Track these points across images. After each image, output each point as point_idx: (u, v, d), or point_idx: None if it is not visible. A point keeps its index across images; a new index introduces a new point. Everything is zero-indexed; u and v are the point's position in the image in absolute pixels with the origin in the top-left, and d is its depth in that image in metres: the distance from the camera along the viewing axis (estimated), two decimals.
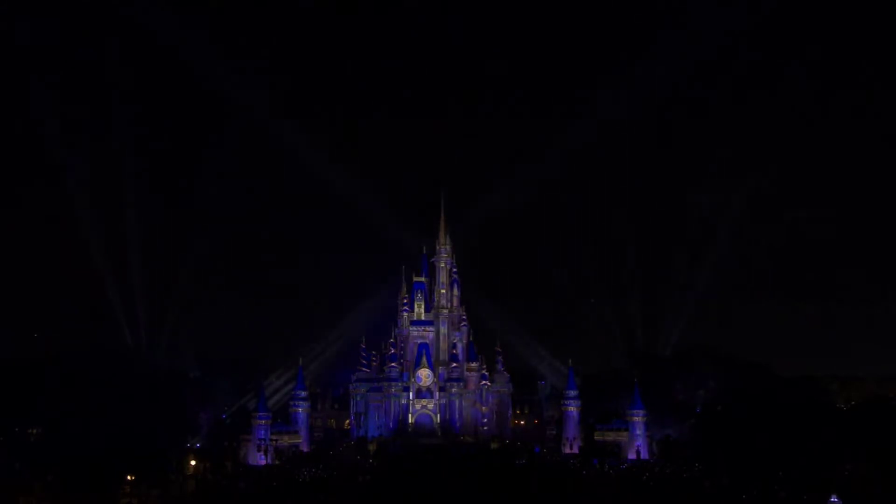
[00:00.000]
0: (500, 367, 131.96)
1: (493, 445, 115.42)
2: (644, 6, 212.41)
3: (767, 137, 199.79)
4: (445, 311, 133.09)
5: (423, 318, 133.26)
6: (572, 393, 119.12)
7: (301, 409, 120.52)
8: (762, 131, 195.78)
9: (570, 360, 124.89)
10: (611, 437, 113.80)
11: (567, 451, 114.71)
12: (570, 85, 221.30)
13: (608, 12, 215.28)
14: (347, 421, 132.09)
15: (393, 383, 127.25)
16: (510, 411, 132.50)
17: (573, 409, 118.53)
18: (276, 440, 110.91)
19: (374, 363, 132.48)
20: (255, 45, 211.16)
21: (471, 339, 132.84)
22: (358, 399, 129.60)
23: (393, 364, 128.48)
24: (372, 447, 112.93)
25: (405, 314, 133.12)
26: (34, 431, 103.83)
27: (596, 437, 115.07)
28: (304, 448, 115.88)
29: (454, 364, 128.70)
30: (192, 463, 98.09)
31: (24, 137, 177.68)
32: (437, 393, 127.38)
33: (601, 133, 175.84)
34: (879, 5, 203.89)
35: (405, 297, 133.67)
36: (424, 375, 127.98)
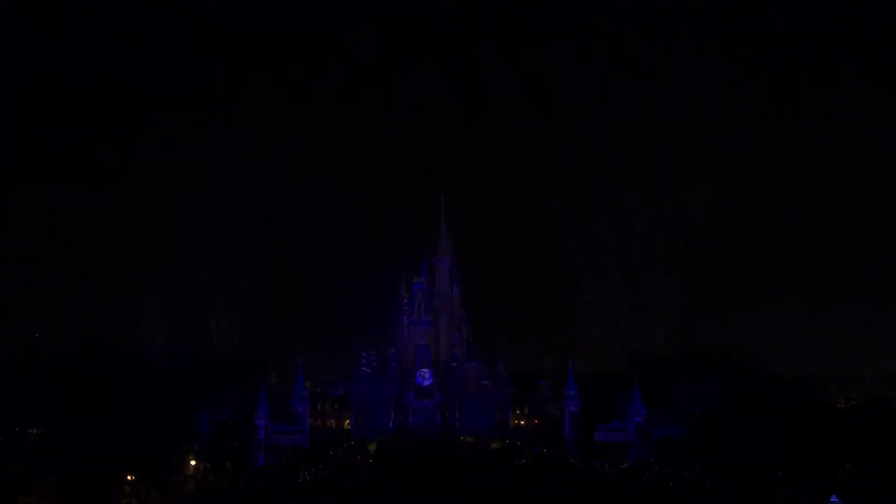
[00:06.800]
0: (500, 367, 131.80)
1: (494, 445, 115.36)
2: None
3: (767, 135, 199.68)
4: (445, 311, 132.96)
5: (423, 318, 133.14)
6: (572, 393, 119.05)
7: (301, 409, 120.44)
8: (761, 130, 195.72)
9: (569, 360, 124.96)
10: (611, 437, 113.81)
11: (567, 451, 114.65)
12: (570, 86, 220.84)
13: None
14: (347, 421, 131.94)
15: (393, 383, 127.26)
16: (510, 411, 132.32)
17: (573, 409, 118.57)
18: (276, 440, 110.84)
19: (374, 363, 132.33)
20: (257, 42, 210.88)
21: (471, 339, 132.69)
22: (358, 399, 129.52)
23: (393, 364, 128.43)
24: (372, 447, 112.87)
25: (405, 314, 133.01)
26: (34, 431, 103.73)
27: (596, 437, 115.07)
28: (305, 448, 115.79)
29: (454, 364, 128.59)
30: (192, 463, 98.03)
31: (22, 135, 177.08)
32: (437, 393, 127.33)
33: (602, 132, 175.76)
34: None
35: (405, 298, 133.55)
36: (424, 375, 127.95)
